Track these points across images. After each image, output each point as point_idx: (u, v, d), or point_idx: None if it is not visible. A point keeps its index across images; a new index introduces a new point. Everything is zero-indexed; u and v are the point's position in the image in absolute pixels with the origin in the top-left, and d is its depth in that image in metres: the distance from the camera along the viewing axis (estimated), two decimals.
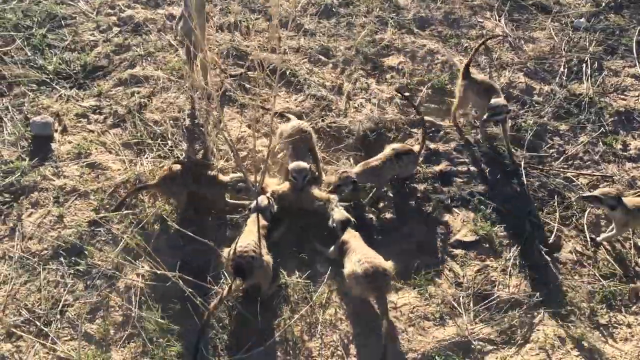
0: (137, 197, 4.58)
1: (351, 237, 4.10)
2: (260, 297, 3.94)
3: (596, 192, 4.34)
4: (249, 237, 3.89)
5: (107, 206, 4.52)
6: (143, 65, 5.75)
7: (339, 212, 4.27)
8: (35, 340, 3.75)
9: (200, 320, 3.74)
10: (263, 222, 4.09)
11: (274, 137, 4.68)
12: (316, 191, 4.53)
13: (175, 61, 5.78)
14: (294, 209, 4.53)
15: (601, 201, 4.26)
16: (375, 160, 4.59)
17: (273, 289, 4.04)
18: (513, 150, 5.12)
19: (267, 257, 3.88)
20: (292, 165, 4.48)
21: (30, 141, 4.98)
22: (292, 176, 4.45)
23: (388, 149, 4.67)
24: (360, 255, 3.85)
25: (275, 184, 4.57)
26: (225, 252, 3.81)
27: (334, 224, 4.22)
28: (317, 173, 4.84)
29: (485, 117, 4.84)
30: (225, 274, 4.01)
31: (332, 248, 4.20)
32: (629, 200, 4.35)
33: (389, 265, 3.86)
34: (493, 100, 4.79)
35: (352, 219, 4.24)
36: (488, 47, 6.25)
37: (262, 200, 4.21)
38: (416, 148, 4.77)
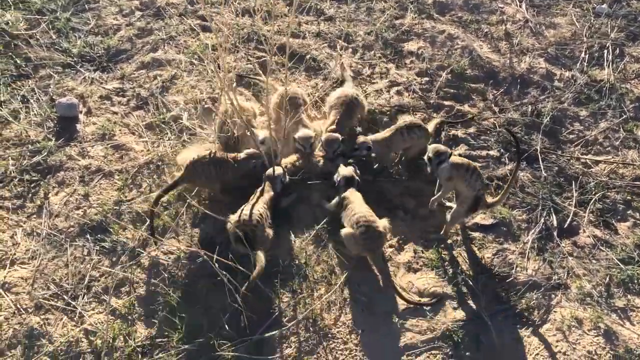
0: (161, 178, 4.67)
1: (353, 195, 4.24)
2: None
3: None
4: (254, 207, 4.06)
5: (131, 186, 4.62)
6: (165, 49, 5.83)
7: (346, 169, 4.43)
8: (62, 314, 3.87)
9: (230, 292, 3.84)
10: (270, 192, 4.26)
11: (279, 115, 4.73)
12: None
13: (196, 45, 5.84)
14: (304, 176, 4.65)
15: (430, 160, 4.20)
16: (387, 131, 4.72)
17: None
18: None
19: (268, 230, 4.06)
20: (300, 133, 4.65)
21: (55, 122, 5.09)
22: (299, 145, 4.61)
23: (400, 121, 4.79)
24: (358, 215, 4.00)
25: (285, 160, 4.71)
26: (231, 217, 4.01)
27: (338, 178, 4.37)
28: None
29: None
30: (231, 240, 4.06)
31: (333, 201, 4.36)
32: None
33: (383, 224, 4.02)
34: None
35: (357, 179, 4.38)
36: (509, 33, 6.23)
37: (276, 170, 4.37)
38: (428, 126, 4.90)
